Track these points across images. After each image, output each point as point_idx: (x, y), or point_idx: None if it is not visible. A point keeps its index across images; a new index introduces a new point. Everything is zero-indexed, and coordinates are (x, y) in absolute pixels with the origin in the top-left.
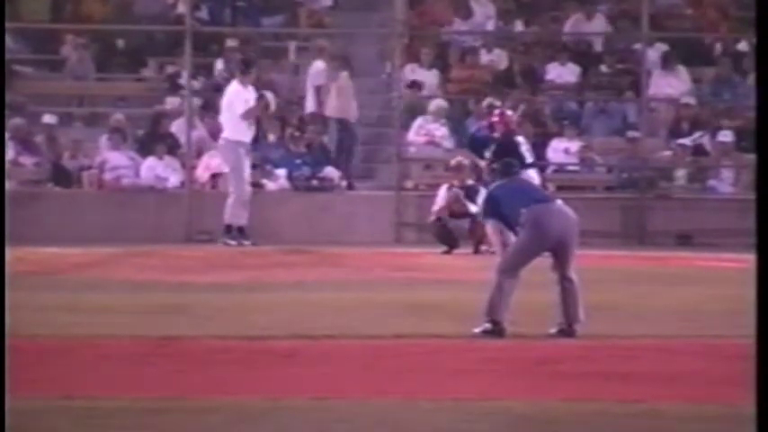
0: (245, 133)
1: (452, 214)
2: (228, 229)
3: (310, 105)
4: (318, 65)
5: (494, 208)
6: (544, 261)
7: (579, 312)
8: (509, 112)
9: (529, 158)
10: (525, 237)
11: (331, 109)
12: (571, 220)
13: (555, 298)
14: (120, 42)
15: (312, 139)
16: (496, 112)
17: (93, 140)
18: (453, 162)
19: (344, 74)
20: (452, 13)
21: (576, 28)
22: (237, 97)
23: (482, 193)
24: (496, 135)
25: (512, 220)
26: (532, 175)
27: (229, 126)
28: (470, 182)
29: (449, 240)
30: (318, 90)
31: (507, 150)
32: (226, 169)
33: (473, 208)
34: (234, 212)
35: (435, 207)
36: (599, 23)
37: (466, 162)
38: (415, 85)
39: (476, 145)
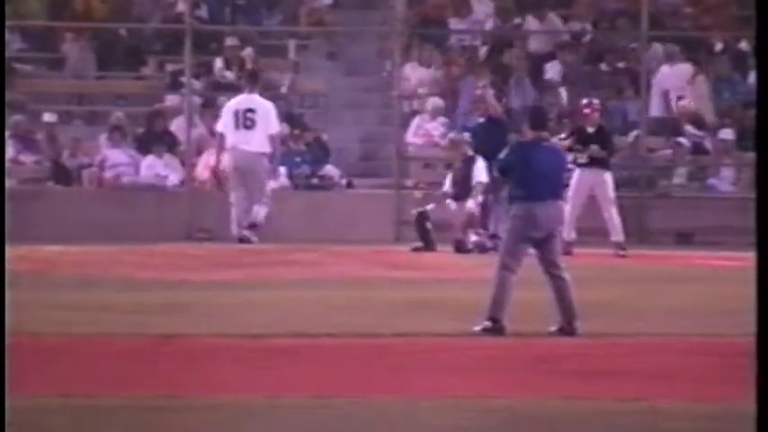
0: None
1: (456, 196)
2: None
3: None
4: (665, 69)
5: (515, 167)
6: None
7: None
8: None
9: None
10: (512, 226)
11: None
12: (558, 209)
13: (551, 296)
14: (120, 41)
15: (312, 137)
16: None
17: (93, 139)
18: (446, 141)
19: (701, 77)
20: (452, 11)
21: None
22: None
23: (479, 162)
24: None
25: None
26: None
27: None
28: (470, 153)
29: (424, 238)
30: (667, 94)
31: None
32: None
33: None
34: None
35: (444, 189)
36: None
37: (458, 137)
38: None
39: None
